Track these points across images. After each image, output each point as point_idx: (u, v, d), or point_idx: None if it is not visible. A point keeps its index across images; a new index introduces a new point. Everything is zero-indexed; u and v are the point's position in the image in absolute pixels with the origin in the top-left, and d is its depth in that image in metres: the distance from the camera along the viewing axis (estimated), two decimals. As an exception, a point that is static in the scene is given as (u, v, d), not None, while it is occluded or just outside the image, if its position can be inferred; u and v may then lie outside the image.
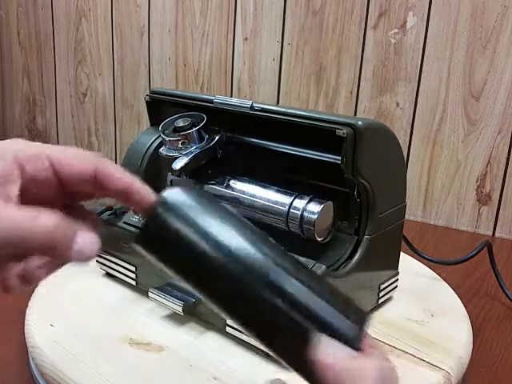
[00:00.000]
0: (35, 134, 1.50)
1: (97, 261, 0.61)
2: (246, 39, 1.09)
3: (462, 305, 0.59)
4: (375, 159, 0.49)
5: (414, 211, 0.98)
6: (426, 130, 0.95)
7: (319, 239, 0.50)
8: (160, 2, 1.18)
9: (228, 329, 0.49)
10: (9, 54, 1.47)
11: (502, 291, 0.66)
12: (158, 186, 0.59)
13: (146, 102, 0.60)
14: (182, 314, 0.50)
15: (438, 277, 0.65)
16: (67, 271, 0.60)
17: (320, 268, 0.46)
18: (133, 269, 0.57)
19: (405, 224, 0.56)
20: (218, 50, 1.13)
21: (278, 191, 0.52)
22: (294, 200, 0.51)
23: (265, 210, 0.52)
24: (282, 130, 0.53)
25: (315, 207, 0.49)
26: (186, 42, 1.17)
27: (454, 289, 0.62)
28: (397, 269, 0.58)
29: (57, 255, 0.29)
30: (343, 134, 0.45)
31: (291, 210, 0.50)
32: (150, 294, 0.52)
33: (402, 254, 0.63)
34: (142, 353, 0.48)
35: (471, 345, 0.52)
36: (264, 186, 0.54)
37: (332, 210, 0.51)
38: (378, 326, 0.53)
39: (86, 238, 0.29)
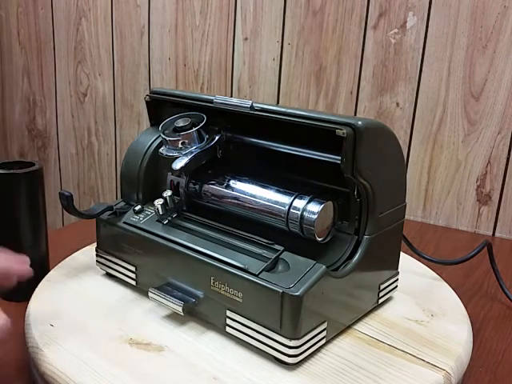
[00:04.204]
0: (35, 134, 1.50)
1: (97, 261, 0.61)
2: (246, 39, 1.09)
3: (461, 305, 0.58)
4: (375, 159, 0.49)
5: (414, 211, 0.98)
6: (425, 130, 0.95)
7: (319, 239, 0.50)
8: (160, 2, 1.18)
9: (228, 329, 0.49)
10: (9, 54, 1.47)
11: (502, 291, 0.66)
12: (158, 185, 0.59)
13: (146, 101, 0.60)
14: (182, 313, 0.50)
15: (438, 277, 0.65)
16: (67, 271, 0.62)
17: (320, 268, 0.46)
18: (133, 269, 0.57)
19: (405, 224, 0.56)
20: (218, 50, 1.13)
21: (277, 191, 0.52)
22: (293, 200, 0.51)
23: (265, 209, 0.52)
24: (282, 129, 0.53)
25: (315, 207, 0.49)
26: (186, 41, 1.17)
27: (454, 289, 0.62)
28: (397, 269, 0.57)
29: None
30: (343, 133, 0.45)
31: (291, 210, 0.50)
32: (149, 294, 0.52)
33: (402, 253, 0.63)
34: (142, 353, 0.48)
35: (471, 345, 0.52)
36: (264, 186, 0.53)
37: (332, 210, 0.51)
38: (378, 326, 0.53)
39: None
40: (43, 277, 0.59)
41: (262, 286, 0.45)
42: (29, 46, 1.43)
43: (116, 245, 0.58)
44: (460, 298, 0.60)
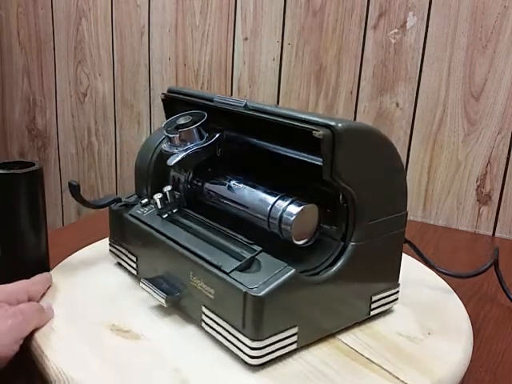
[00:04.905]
0: (35, 134, 1.50)
1: (109, 250, 0.63)
2: (246, 39, 1.09)
3: (468, 323, 0.55)
4: (359, 164, 0.47)
5: (414, 211, 0.99)
6: (425, 130, 0.95)
7: (297, 242, 0.49)
8: (160, 2, 1.18)
9: (203, 324, 0.49)
10: (9, 54, 1.47)
11: (503, 291, 0.66)
12: (166, 181, 0.60)
13: (162, 100, 0.62)
14: (165, 305, 0.51)
15: (451, 290, 0.61)
16: (82, 258, 0.64)
17: (289, 271, 0.45)
18: (134, 259, 0.59)
19: None
20: (218, 50, 1.13)
21: (265, 191, 0.52)
22: (276, 200, 0.50)
23: (250, 209, 0.52)
24: (278, 131, 0.53)
25: (294, 209, 0.48)
26: (186, 41, 1.17)
27: (454, 289, 0.61)
28: (396, 281, 0.54)
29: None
30: (319, 135, 0.44)
31: (272, 211, 0.50)
32: (140, 284, 0.53)
33: (416, 264, 0.60)
34: (119, 339, 0.49)
35: (464, 368, 0.48)
36: (255, 187, 0.53)
37: (316, 213, 0.49)
38: (364, 338, 0.50)
39: (45, 303, 0.53)
40: (43, 277, 0.60)
41: (229, 284, 0.45)
42: (29, 46, 1.43)
43: (122, 235, 0.61)
44: (460, 298, 0.59)
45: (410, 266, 0.63)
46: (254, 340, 0.44)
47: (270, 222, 0.50)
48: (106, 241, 0.64)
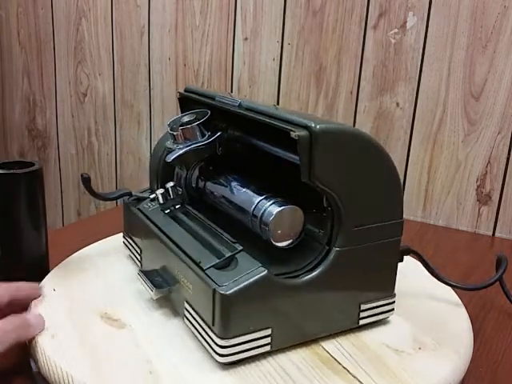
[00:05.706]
0: (35, 134, 1.50)
1: (123, 242, 0.65)
2: (246, 39, 1.09)
3: (469, 343, 0.52)
4: (341, 166, 0.45)
5: (413, 211, 0.98)
6: (426, 130, 0.95)
7: (276, 243, 0.48)
8: (160, 2, 1.18)
9: (184, 319, 0.49)
10: (9, 54, 1.47)
11: (503, 291, 0.66)
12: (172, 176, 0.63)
13: (178, 98, 0.63)
14: (153, 298, 0.52)
15: (461, 303, 0.59)
16: (96, 249, 0.66)
17: (261, 272, 0.44)
18: (139, 251, 0.60)
19: (405, 224, 0.52)
20: (218, 50, 1.13)
21: (254, 191, 0.52)
22: (261, 200, 0.50)
23: (238, 207, 0.52)
24: (276, 132, 0.52)
25: (274, 209, 0.48)
26: (186, 42, 1.17)
27: (456, 290, 0.61)
28: (390, 291, 0.52)
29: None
30: (295, 136, 0.43)
31: (255, 210, 0.49)
32: (137, 275, 0.54)
33: (425, 273, 0.58)
34: (106, 327, 0.50)
35: None
36: (248, 186, 0.53)
37: (300, 216, 0.48)
38: (347, 347, 0.49)
39: (34, 316, 0.50)
40: (43, 277, 0.59)
41: (203, 280, 0.45)
42: (29, 46, 1.43)
43: (130, 227, 0.63)
44: (460, 298, 0.59)
45: (417, 275, 0.61)
46: (222, 338, 0.44)
47: (253, 221, 0.50)
48: (121, 235, 0.67)
